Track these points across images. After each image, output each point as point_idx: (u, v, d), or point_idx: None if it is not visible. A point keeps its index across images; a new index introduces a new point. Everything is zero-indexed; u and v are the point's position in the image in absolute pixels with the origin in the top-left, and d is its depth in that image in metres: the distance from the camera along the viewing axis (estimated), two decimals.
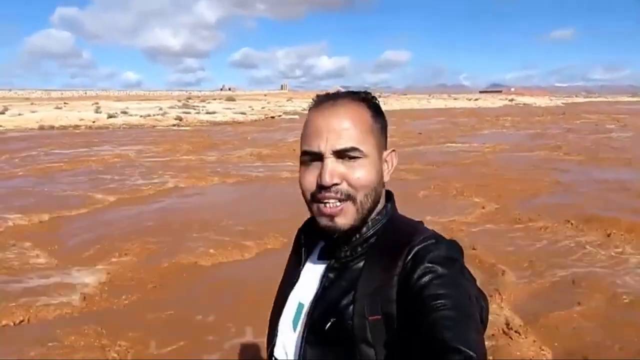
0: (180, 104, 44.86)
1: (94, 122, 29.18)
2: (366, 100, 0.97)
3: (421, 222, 0.99)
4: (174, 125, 28.67)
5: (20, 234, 6.22)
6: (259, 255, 5.38)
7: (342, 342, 0.87)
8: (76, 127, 27.36)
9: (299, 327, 0.96)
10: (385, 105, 54.34)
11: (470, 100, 75.67)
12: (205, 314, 3.94)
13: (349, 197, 0.91)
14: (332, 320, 0.89)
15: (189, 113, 34.42)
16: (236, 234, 5.99)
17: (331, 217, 0.91)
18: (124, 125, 28.14)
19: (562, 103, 66.09)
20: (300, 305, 0.98)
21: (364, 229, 0.95)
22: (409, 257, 0.86)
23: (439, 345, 0.73)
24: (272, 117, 35.40)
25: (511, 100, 72.54)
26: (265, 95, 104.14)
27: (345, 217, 0.91)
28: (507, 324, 3.68)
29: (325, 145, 0.90)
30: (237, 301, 4.11)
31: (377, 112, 0.97)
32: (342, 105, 0.94)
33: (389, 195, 1.02)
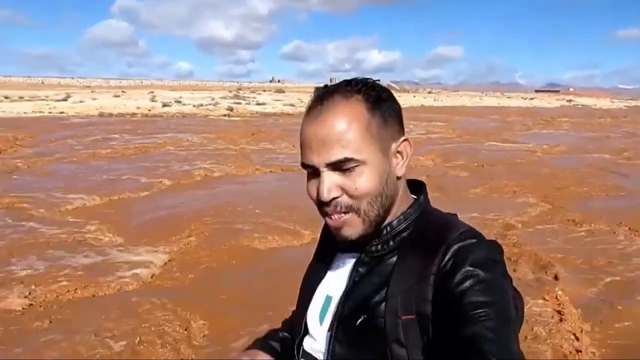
0: (231, 94, 45.93)
1: (149, 110, 30.31)
2: (362, 91, 0.88)
3: (455, 215, 0.95)
4: (225, 115, 29.38)
5: (87, 213, 6.67)
6: (313, 242, 5.54)
7: (373, 340, 0.85)
8: (133, 114, 28.49)
9: (327, 321, 0.93)
10: (436, 101, 53.54)
11: (525, 99, 73.14)
12: (267, 292, 4.17)
13: (350, 209, 0.87)
14: (362, 317, 0.86)
15: (239, 104, 35.20)
16: (288, 221, 6.19)
17: (338, 229, 0.89)
18: (178, 114, 29.08)
19: (625, 106, 62.70)
20: (328, 298, 0.95)
21: (395, 222, 0.91)
22: (447, 257, 0.82)
23: (482, 357, 0.70)
24: None
25: (569, 100, 69.53)
26: (314, 88, 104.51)
27: (350, 228, 0.88)
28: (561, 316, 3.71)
29: (317, 158, 0.86)
30: (294, 282, 4.29)
31: (377, 101, 0.88)
32: (330, 107, 0.86)
33: (421, 187, 0.98)
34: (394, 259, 0.88)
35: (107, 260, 4.92)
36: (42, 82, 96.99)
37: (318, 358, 0.94)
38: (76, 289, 4.30)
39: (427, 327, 0.80)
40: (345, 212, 0.87)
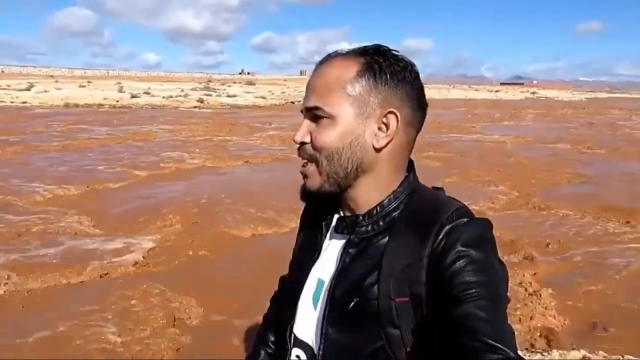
0: (201, 86, 45.30)
1: (117, 101, 29.66)
2: (364, 53, 0.89)
3: (442, 190, 0.96)
4: (195, 107, 29.02)
5: (64, 203, 6.63)
6: (293, 230, 5.68)
7: (366, 322, 0.84)
8: (100, 105, 27.83)
9: (320, 305, 0.92)
10: None
11: (491, 91, 74.84)
12: (254, 275, 4.30)
13: (312, 158, 0.89)
14: (355, 300, 0.85)
15: (210, 95, 34.79)
16: (268, 209, 6.30)
17: (304, 178, 0.92)
18: (147, 106, 28.57)
19: (586, 98, 65.01)
20: (321, 282, 0.94)
21: (386, 202, 0.90)
22: (440, 237, 0.81)
23: (473, 338, 0.71)
24: (292, 102, 35.61)
25: (533, 93, 71.57)
26: (284, 80, 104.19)
27: (311, 179, 0.90)
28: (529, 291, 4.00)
29: (303, 103, 0.91)
30: (278, 266, 4.43)
31: (371, 67, 0.87)
32: (327, 63, 0.89)
33: (410, 164, 0.96)
34: (385, 239, 0.87)
35: (88, 248, 4.93)
36: (2, 71, 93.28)
37: (309, 342, 0.93)
38: (59, 275, 4.31)
39: (420, 309, 0.80)
40: (308, 161, 0.90)
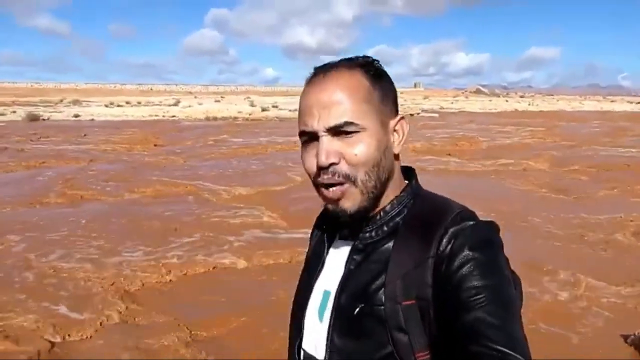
0: None
1: (250, 114, 32.21)
2: (364, 65, 0.88)
3: (448, 198, 0.92)
4: None
5: (248, 201, 7.76)
6: None
7: (373, 328, 0.82)
8: (235, 118, 30.45)
9: (325, 317, 0.89)
10: (531, 106, 51.37)
11: (631, 103, 67.67)
12: None
13: (348, 179, 0.83)
14: (360, 306, 0.83)
15: None
16: None
17: (336, 201, 0.85)
18: (275, 118, 30.63)
19: None
20: (326, 293, 0.91)
21: (389, 207, 0.88)
22: (445, 240, 0.80)
23: (483, 345, 0.70)
24: (411, 115, 35.77)
25: None
26: (401, 93, 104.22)
27: (349, 201, 0.84)
28: None
29: (317, 122, 0.83)
30: None
31: (377, 77, 0.87)
32: (333, 76, 0.85)
33: (411, 172, 0.95)
34: (390, 244, 0.85)
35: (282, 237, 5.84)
36: (151, 89, 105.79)
37: (317, 355, 0.90)
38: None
39: (427, 312, 0.78)
40: (342, 183, 0.83)
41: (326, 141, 0.82)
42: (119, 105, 36.96)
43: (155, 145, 15.36)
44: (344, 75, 0.85)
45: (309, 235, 1.05)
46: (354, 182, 0.83)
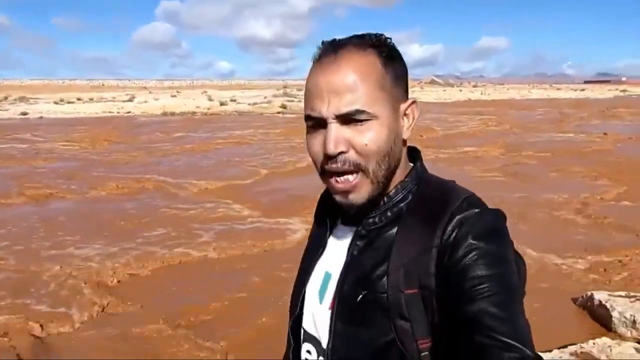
0: (280, 92, 47.31)
1: (208, 109, 31.78)
2: (376, 45, 0.83)
3: (453, 181, 0.90)
4: (278, 112, 30.43)
5: (215, 194, 7.88)
6: None
7: (376, 315, 0.81)
8: (193, 113, 29.98)
9: (327, 299, 0.89)
10: (483, 95, 53.02)
11: (575, 90, 71.12)
12: None
13: (359, 168, 0.81)
14: (363, 292, 0.82)
15: (292, 101, 36.36)
16: None
17: (344, 193, 0.83)
18: (234, 112, 30.38)
19: None
20: (327, 275, 0.91)
21: (393, 192, 0.86)
22: (450, 228, 0.78)
23: (488, 336, 0.69)
24: None
25: (623, 91, 67.04)
26: None
27: (359, 193, 0.82)
28: None
29: (327, 108, 0.79)
30: None
31: (390, 58, 0.84)
32: (345, 57, 0.80)
33: (416, 153, 0.92)
34: (394, 230, 0.84)
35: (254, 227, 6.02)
36: (103, 85, 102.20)
37: (318, 337, 0.91)
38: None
39: (430, 301, 0.78)
40: (351, 172, 0.81)
41: (335, 129, 0.79)
42: (69, 102, 35.65)
43: (112, 142, 15.06)
44: (357, 57, 0.81)
45: (313, 214, 1.04)
46: (364, 172, 0.81)
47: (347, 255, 0.87)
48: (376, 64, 0.82)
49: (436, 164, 10.90)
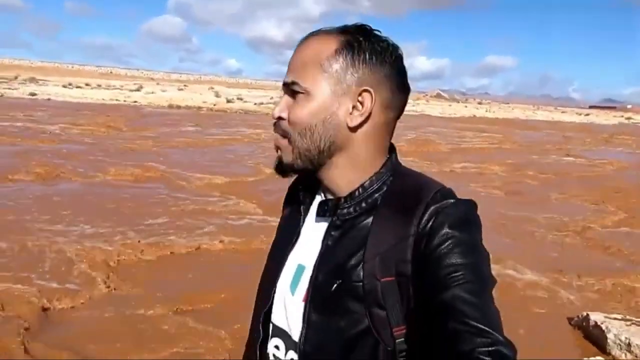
0: None
1: (214, 105, 31.89)
2: (344, 32, 0.87)
3: (426, 175, 0.93)
4: None
5: (220, 188, 7.96)
6: None
7: (351, 304, 0.82)
8: (199, 108, 30.09)
9: (300, 291, 0.90)
10: (488, 112, 53.21)
11: (580, 114, 71.35)
12: None
13: (285, 134, 0.88)
14: (338, 282, 0.83)
15: None
16: None
17: (276, 149, 0.91)
18: (240, 110, 30.48)
19: None
20: (300, 267, 0.91)
21: (367, 183, 0.88)
22: (426, 217, 0.80)
23: (461, 322, 0.71)
24: None
25: (628, 118, 67.18)
26: None
27: (284, 154, 0.89)
28: None
29: (285, 78, 0.89)
30: None
31: (350, 45, 0.86)
32: (310, 39, 0.88)
33: (391, 148, 0.94)
34: (369, 220, 0.86)
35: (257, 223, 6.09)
36: (111, 72, 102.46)
37: (289, 330, 0.91)
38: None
39: (407, 289, 0.80)
40: (282, 136, 0.88)
41: (285, 97, 0.89)
42: (78, 87, 35.79)
43: (119, 129, 15.16)
44: (317, 39, 0.87)
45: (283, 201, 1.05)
46: (288, 139, 0.87)
47: (322, 246, 0.88)
48: (329, 47, 0.86)
49: (441, 177, 10.98)
